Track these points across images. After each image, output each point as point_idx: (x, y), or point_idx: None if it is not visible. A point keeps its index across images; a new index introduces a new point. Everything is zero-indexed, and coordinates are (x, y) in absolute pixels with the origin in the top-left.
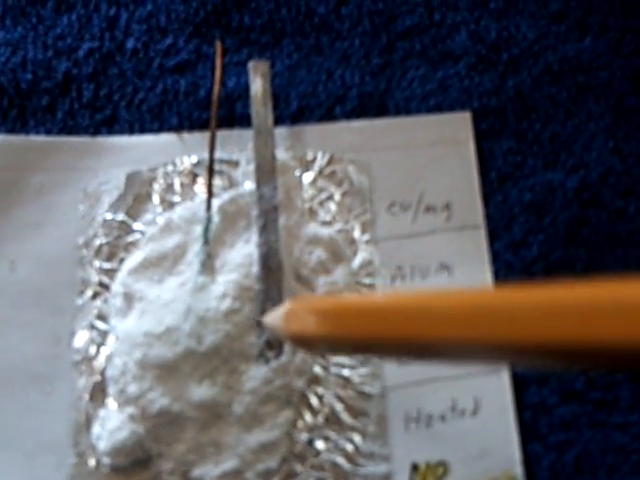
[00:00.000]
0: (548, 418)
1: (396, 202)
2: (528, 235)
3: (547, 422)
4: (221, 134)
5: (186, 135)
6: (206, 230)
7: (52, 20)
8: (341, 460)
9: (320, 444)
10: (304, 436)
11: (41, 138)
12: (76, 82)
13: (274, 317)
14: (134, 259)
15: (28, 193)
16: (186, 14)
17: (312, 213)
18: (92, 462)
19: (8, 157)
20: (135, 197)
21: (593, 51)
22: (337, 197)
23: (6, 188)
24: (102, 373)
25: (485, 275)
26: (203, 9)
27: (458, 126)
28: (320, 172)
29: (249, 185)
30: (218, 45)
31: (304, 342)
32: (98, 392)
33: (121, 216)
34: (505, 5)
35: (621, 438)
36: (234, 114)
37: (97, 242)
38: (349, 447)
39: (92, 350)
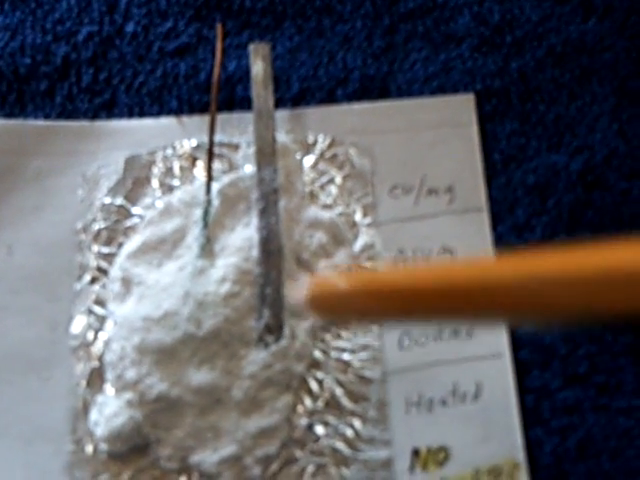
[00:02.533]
0: (551, 402)
1: (398, 185)
2: (532, 218)
3: (550, 406)
4: (221, 117)
5: (186, 118)
6: (206, 214)
7: (51, 4)
8: (341, 445)
9: (320, 429)
10: (304, 421)
11: (40, 122)
12: (75, 66)
13: (298, 288)
14: (133, 243)
15: (26, 177)
16: None
17: (313, 196)
18: (90, 448)
19: (6, 142)
20: (134, 181)
21: (597, 33)
22: (338, 180)
23: (4, 172)
24: (100, 359)
25: None
26: None
27: (461, 108)
28: (321, 155)
29: (249, 168)
30: (219, 28)
31: (328, 305)
32: (96, 378)
33: (120, 200)
34: None
35: (625, 422)
36: (234, 97)
37: (96, 227)
38: (349, 432)
39: (90, 335)
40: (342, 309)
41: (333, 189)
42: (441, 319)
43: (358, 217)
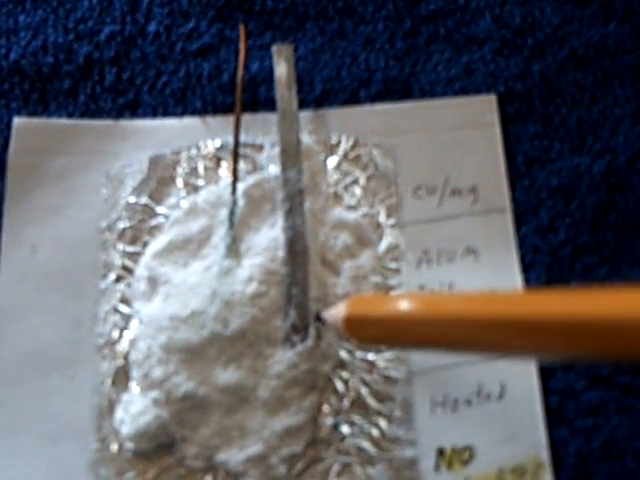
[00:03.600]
0: (575, 403)
1: (422, 186)
2: (555, 219)
3: (574, 407)
4: (245, 118)
5: (210, 119)
6: (231, 214)
7: (72, 3)
8: (367, 445)
9: (345, 429)
10: (329, 420)
11: (63, 121)
12: (98, 65)
13: (334, 317)
14: (159, 242)
15: (50, 176)
16: None
17: (337, 197)
18: (115, 447)
19: (30, 140)
20: (158, 181)
21: (618, 36)
22: (362, 181)
23: (28, 171)
24: (125, 357)
25: (512, 260)
26: None
27: (484, 109)
28: (345, 156)
29: (273, 169)
30: (242, 29)
31: (366, 329)
32: (121, 376)
33: (144, 200)
34: None
35: None
36: (258, 98)
37: (120, 225)
38: (375, 432)
39: (115, 334)
40: (380, 334)
41: (357, 190)
42: (479, 352)
43: (382, 218)
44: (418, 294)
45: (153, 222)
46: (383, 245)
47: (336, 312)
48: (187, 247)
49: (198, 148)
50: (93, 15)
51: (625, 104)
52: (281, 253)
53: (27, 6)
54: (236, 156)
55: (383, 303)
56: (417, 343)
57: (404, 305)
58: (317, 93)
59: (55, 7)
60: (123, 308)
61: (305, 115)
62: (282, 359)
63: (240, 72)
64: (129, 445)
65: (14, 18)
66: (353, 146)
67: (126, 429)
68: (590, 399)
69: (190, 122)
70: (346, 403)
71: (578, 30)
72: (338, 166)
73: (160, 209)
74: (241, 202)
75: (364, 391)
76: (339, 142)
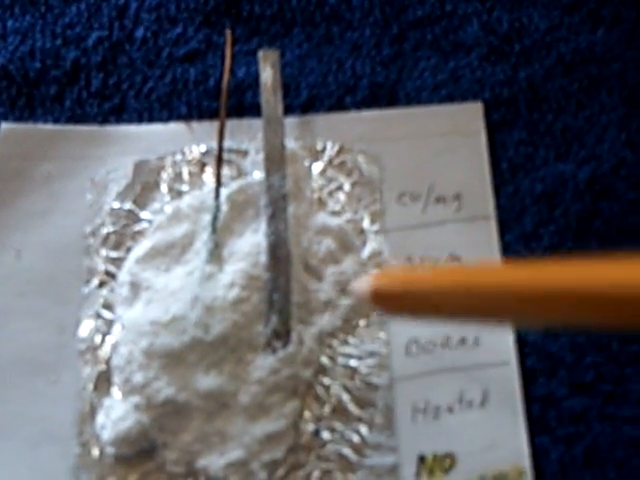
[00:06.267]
0: (557, 411)
1: (406, 192)
2: (539, 226)
3: (556, 415)
4: (230, 123)
5: (195, 124)
6: (214, 219)
7: (61, 9)
8: (347, 451)
9: (326, 435)
10: (310, 427)
11: (49, 127)
12: (85, 71)
13: (360, 291)
14: (141, 248)
15: (35, 182)
16: (196, 3)
17: (321, 203)
18: (96, 452)
19: (16, 145)
20: (143, 186)
21: (606, 43)
22: (346, 187)
23: (13, 176)
24: (107, 362)
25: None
26: None
27: (470, 116)
28: (330, 162)
29: (258, 174)
30: (228, 34)
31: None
32: (103, 381)
33: (129, 205)
34: None
35: (631, 431)
36: (244, 103)
37: (104, 231)
38: (355, 438)
39: (97, 339)
40: (404, 305)
41: (341, 196)
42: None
43: (366, 224)
44: (438, 268)
45: (137, 227)
46: (367, 251)
47: (362, 286)
48: (170, 252)
49: (183, 153)
50: (81, 20)
51: (611, 111)
52: (263, 258)
53: (15, 11)
54: (220, 161)
55: (409, 278)
56: (444, 315)
57: (429, 280)
58: (303, 99)
59: (43, 12)
60: (106, 313)
61: (291, 121)
62: (263, 365)
63: (226, 77)
64: (110, 450)
65: (2, 23)
66: (338, 152)
67: (107, 434)
68: (572, 407)
69: (175, 127)
70: (327, 409)
71: (566, 37)
72: (323, 172)
73: (144, 214)
74: (224, 207)
75: (345, 397)
76: (324, 148)
